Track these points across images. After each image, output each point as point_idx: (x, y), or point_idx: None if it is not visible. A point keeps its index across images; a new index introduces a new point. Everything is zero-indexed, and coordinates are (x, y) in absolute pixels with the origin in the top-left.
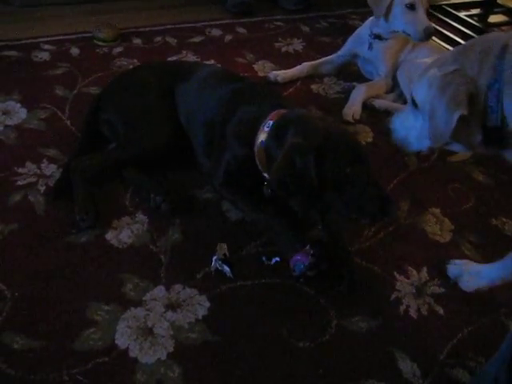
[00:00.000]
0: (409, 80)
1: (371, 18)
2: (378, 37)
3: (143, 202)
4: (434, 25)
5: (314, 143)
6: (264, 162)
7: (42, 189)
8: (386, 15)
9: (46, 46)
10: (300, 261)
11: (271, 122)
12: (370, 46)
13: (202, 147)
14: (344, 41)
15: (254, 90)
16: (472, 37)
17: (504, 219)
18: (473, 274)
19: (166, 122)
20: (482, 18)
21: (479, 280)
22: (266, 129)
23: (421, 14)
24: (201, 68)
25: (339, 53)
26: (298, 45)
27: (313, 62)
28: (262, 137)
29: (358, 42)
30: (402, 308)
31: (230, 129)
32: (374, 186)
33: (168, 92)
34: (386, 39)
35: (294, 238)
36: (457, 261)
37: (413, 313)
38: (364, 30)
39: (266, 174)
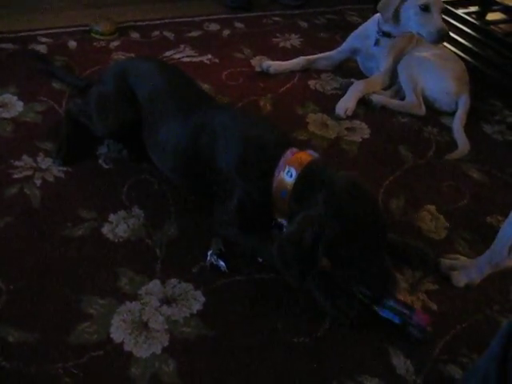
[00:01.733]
0: (409, 75)
1: (378, 14)
2: (387, 34)
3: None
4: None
5: (335, 230)
6: (285, 211)
7: (38, 182)
8: (395, 18)
9: (43, 39)
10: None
11: (293, 171)
12: (377, 43)
13: (178, 177)
14: (342, 37)
15: (239, 119)
16: (470, 34)
17: (499, 217)
18: (463, 268)
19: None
20: (480, 15)
21: (469, 274)
22: (289, 178)
23: (435, 15)
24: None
25: (339, 49)
26: (295, 40)
27: (309, 57)
28: (283, 184)
29: (362, 37)
30: None
31: (236, 166)
32: (379, 264)
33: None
34: (395, 37)
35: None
36: (449, 255)
37: None
38: (371, 25)
39: (282, 220)
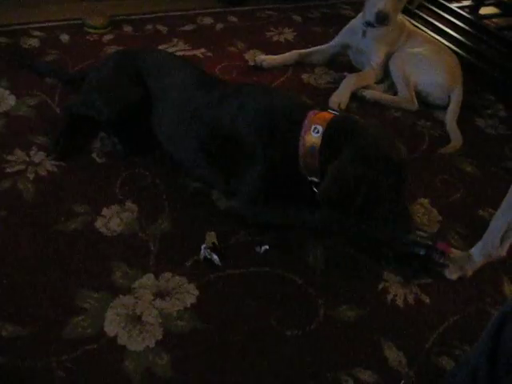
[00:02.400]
0: (401, 70)
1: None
2: (371, 24)
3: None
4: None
5: (371, 172)
6: (315, 168)
7: (31, 176)
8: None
9: (36, 33)
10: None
11: (319, 128)
12: (364, 34)
13: (200, 163)
14: (336, 31)
15: (257, 89)
16: (463, 29)
17: (491, 210)
18: (456, 261)
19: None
20: (474, 9)
21: (462, 266)
22: (316, 134)
23: None
24: (177, 67)
25: (331, 43)
26: (289, 34)
27: (302, 51)
28: (311, 141)
29: (351, 33)
30: (389, 297)
31: (258, 133)
32: (402, 202)
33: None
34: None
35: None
36: None
37: (400, 302)
38: (357, 21)
39: (312, 178)
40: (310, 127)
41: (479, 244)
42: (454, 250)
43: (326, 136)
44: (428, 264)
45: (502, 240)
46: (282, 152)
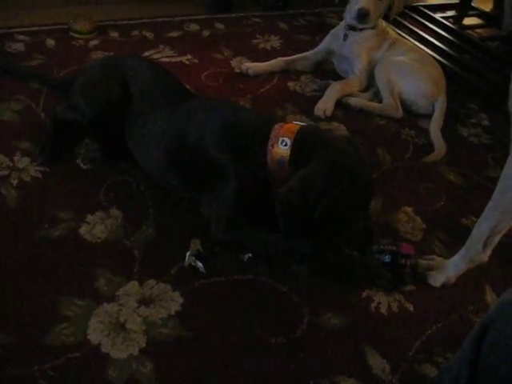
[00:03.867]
0: (386, 79)
1: None
2: (353, 28)
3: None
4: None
5: (334, 187)
6: (284, 179)
7: (15, 182)
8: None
9: (21, 37)
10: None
11: (286, 140)
12: (346, 37)
13: (171, 178)
14: (321, 39)
15: (223, 105)
16: (447, 38)
17: (474, 218)
18: (440, 268)
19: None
20: (457, 19)
21: (447, 273)
22: (284, 147)
23: None
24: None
25: (316, 49)
26: (275, 42)
27: (287, 58)
28: (279, 154)
29: (334, 38)
30: (373, 305)
31: (225, 152)
32: (366, 219)
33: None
34: (360, 29)
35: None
36: (425, 256)
37: (383, 310)
38: (340, 26)
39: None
40: (278, 140)
41: (462, 250)
42: (436, 257)
43: (295, 148)
44: (396, 270)
45: (485, 245)
46: (252, 166)
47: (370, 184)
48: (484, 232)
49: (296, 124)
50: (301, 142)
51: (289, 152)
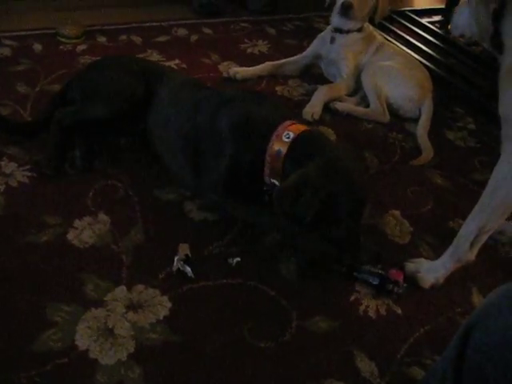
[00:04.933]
0: (373, 83)
1: None
2: (339, 30)
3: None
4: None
5: (330, 190)
6: (278, 171)
7: (2, 187)
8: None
9: (8, 42)
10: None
11: (291, 134)
12: (332, 40)
13: (182, 160)
14: (309, 43)
15: (252, 95)
16: (433, 43)
17: (461, 221)
18: (428, 269)
19: (124, 95)
20: (443, 24)
21: (434, 273)
22: (286, 139)
23: None
24: (173, 74)
25: (303, 54)
26: (263, 46)
27: (275, 62)
28: (279, 145)
29: (321, 41)
30: (362, 308)
31: (232, 127)
32: (356, 230)
33: (139, 79)
34: (347, 32)
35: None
36: (413, 259)
37: (372, 313)
38: (327, 31)
39: (274, 180)
40: (283, 133)
41: (450, 249)
42: (423, 259)
43: (295, 143)
44: (382, 292)
45: (472, 245)
46: (252, 148)
47: (365, 192)
48: (472, 231)
49: (306, 127)
50: (302, 139)
51: (288, 145)
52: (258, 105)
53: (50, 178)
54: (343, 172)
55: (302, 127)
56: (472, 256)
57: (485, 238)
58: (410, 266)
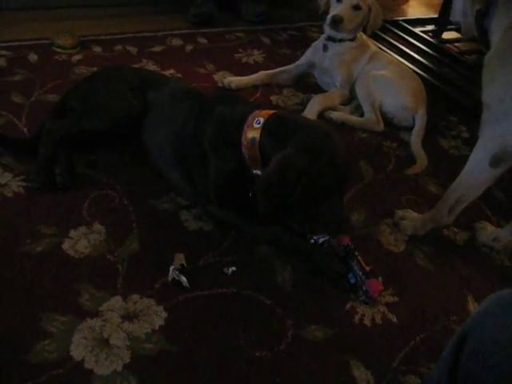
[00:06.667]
0: (367, 92)
1: None
2: (332, 39)
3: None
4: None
5: (314, 165)
6: (257, 159)
7: None
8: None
9: (3, 52)
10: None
11: (261, 119)
12: (326, 49)
13: (174, 168)
14: (303, 53)
15: (224, 97)
16: (427, 52)
17: (455, 229)
18: (412, 219)
19: (122, 103)
20: (437, 34)
21: (415, 225)
22: (257, 125)
23: (342, 5)
24: (167, 81)
25: (297, 62)
26: (258, 56)
27: (269, 71)
28: (252, 133)
29: (314, 50)
30: (357, 317)
31: (209, 136)
32: (338, 205)
33: (136, 88)
34: (339, 41)
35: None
36: (402, 210)
37: (367, 321)
38: (321, 40)
39: (257, 171)
40: (254, 120)
41: (432, 211)
42: (411, 210)
43: (266, 126)
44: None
45: (450, 210)
46: (229, 146)
47: (347, 165)
48: (451, 200)
49: (276, 111)
50: (273, 122)
51: (260, 131)
52: (230, 106)
53: (37, 191)
54: (323, 148)
55: (271, 111)
56: (449, 220)
57: (461, 206)
58: (398, 213)
